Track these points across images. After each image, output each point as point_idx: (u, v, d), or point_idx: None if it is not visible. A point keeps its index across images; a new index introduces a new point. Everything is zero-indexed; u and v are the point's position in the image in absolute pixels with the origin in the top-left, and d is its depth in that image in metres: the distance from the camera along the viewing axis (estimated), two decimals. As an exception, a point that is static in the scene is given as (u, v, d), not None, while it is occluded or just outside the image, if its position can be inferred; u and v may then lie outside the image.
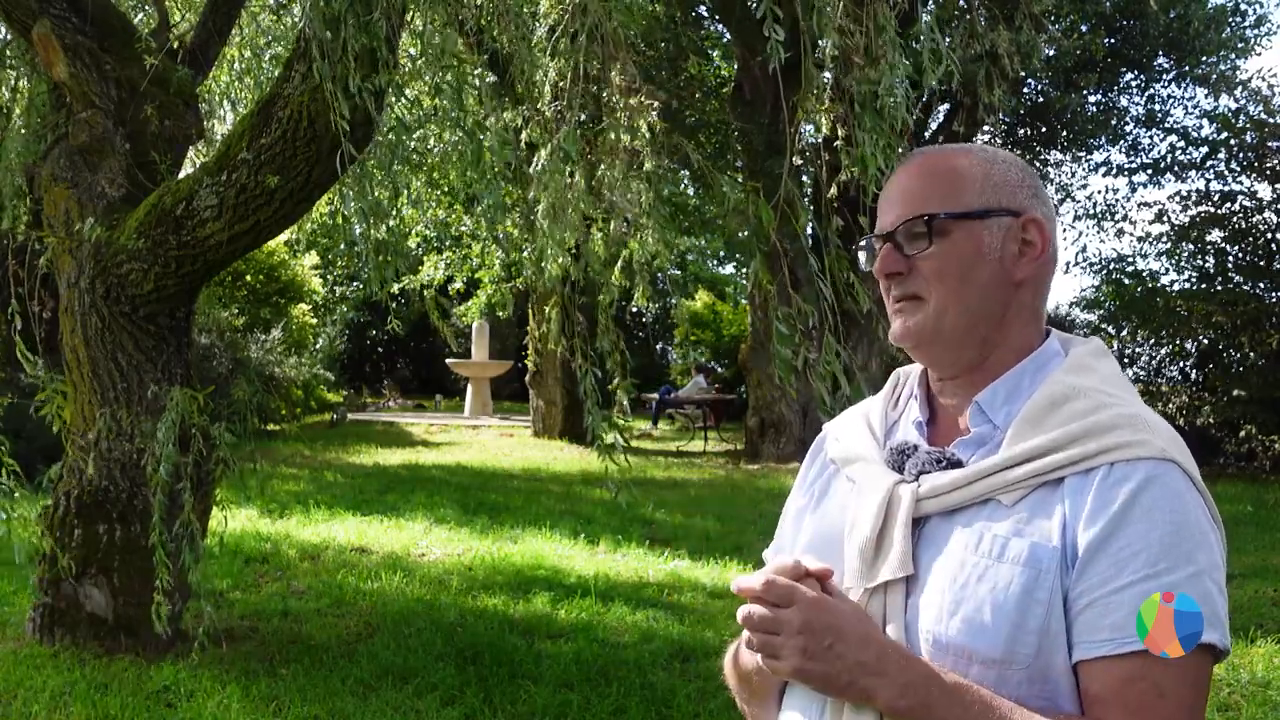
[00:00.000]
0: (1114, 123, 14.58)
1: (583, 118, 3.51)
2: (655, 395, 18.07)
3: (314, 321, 16.06)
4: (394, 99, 4.09)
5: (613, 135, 3.49)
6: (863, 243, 1.22)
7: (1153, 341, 14.17)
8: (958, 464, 1.06)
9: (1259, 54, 33.64)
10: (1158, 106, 14.82)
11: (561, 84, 3.51)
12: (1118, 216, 15.89)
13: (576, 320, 3.67)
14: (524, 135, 3.93)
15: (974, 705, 0.94)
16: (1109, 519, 0.95)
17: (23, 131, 4.69)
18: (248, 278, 15.09)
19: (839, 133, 3.11)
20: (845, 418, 1.27)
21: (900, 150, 3.00)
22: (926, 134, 14.17)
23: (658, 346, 24.74)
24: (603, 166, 3.58)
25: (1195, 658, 0.94)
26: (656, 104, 3.45)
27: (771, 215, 2.97)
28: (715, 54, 14.89)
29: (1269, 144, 12.60)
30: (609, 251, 3.95)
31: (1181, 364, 14.09)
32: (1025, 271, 1.11)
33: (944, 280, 1.09)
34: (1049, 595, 0.96)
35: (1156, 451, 0.98)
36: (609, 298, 3.66)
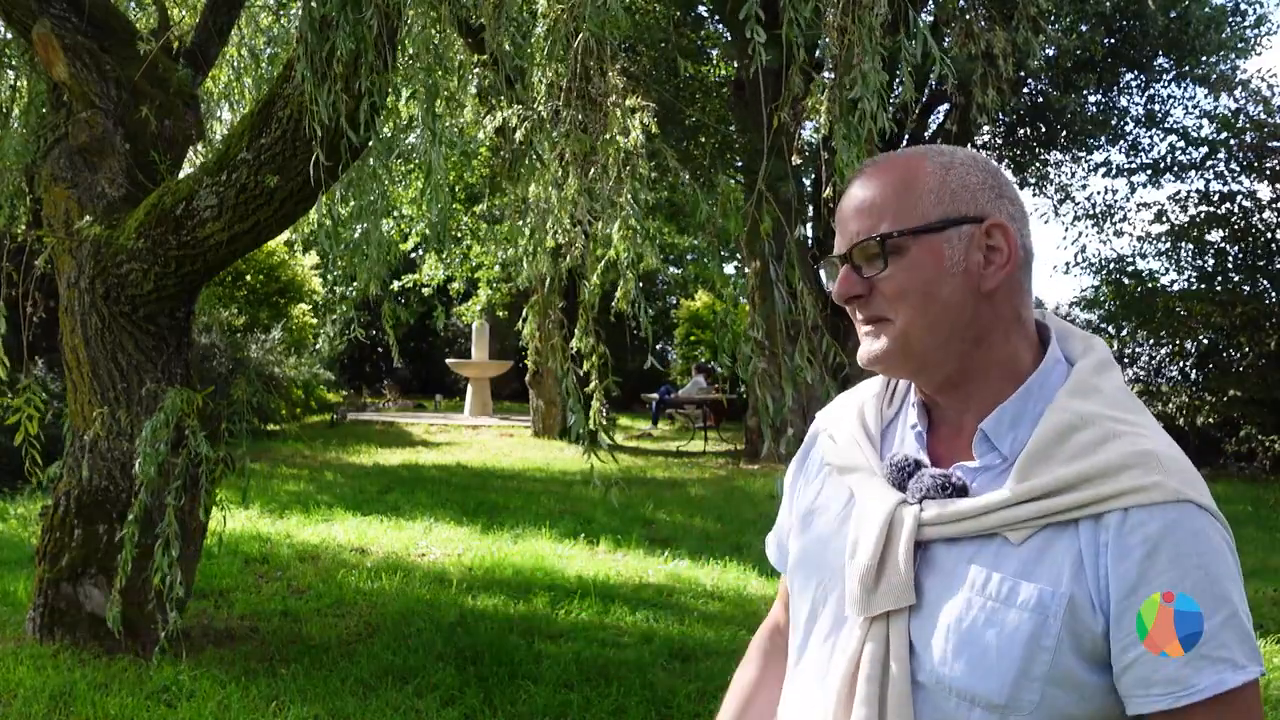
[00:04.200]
0: (1114, 123, 14.56)
1: (580, 118, 3.51)
2: (655, 395, 18.07)
3: (314, 321, 16.05)
4: (393, 99, 4.09)
5: (605, 137, 3.49)
6: (821, 263, 1.16)
7: (1153, 341, 14.18)
8: (963, 489, 1.03)
9: (1259, 54, 33.64)
10: (1158, 106, 14.80)
11: (559, 84, 3.51)
12: (1117, 217, 15.89)
13: (557, 320, 3.66)
14: (518, 134, 3.93)
15: None
16: (1135, 569, 0.93)
17: (22, 131, 4.69)
18: (248, 278, 15.09)
19: (837, 132, 3.12)
20: (838, 412, 1.22)
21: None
22: (926, 134, 14.17)
23: (658, 346, 24.74)
24: (593, 170, 3.58)
25: (1250, 693, 0.94)
26: (651, 106, 3.45)
27: (741, 224, 2.97)
28: (715, 53, 14.88)
29: (1269, 144, 12.61)
30: (595, 253, 3.96)
31: (1181, 364, 14.09)
32: (994, 280, 1.05)
33: (906, 301, 1.04)
34: (1055, 642, 0.95)
35: (1171, 494, 0.95)
36: (592, 298, 3.65)
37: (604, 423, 3.65)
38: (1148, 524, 0.94)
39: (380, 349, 25.54)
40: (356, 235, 4.76)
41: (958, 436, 1.09)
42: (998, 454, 1.04)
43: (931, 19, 9.96)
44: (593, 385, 3.60)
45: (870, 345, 1.08)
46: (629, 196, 3.31)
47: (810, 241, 13.31)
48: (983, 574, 0.99)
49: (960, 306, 1.04)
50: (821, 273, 1.17)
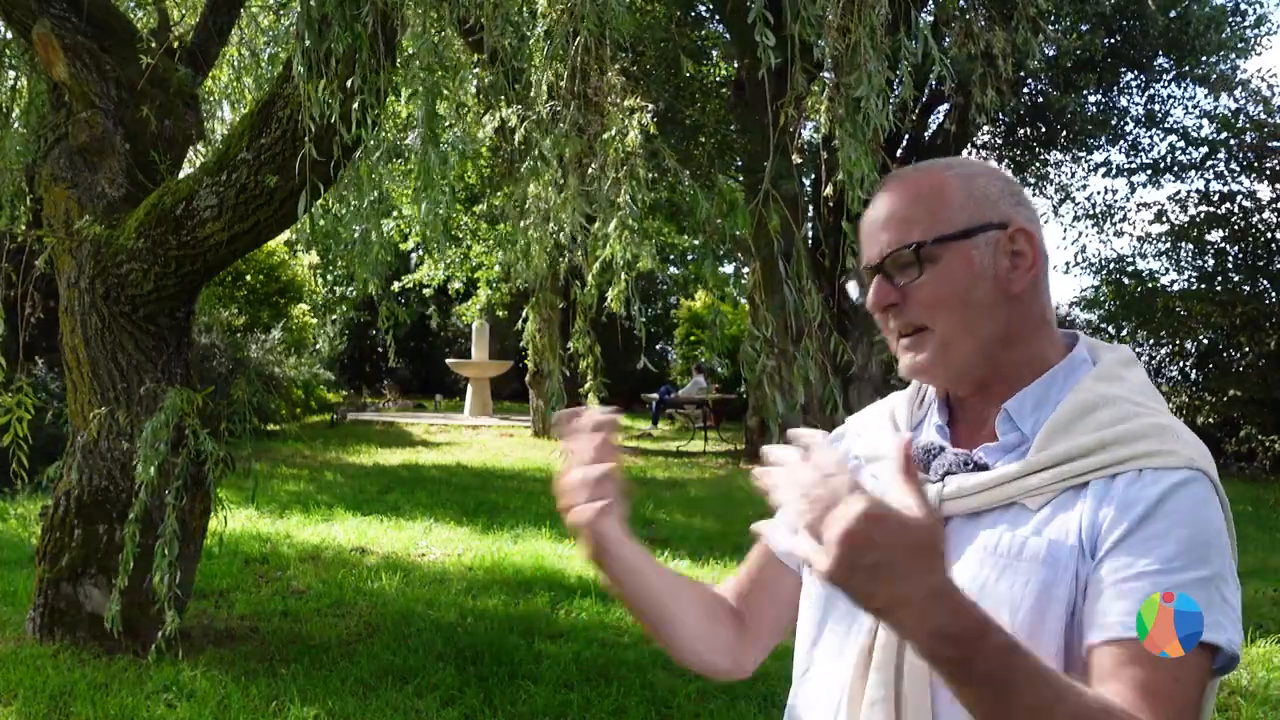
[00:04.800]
0: (1114, 123, 14.56)
1: (578, 118, 3.51)
2: (655, 395, 18.07)
3: (314, 321, 16.06)
4: (393, 99, 4.08)
5: (605, 138, 3.49)
6: (851, 276, 1.20)
7: (1153, 341, 14.17)
8: (984, 468, 1.06)
9: (1259, 54, 33.64)
10: (1158, 106, 14.79)
11: (559, 84, 3.50)
12: (1117, 217, 15.89)
13: (549, 319, 3.66)
14: (518, 134, 3.93)
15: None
16: (1132, 518, 0.96)
17: (22, 131, 4.69)
18: (248, 278, 15.09)
19: (836, 134, 3.12)
20: (868, 414, 1.26)
21: (882, 158, 3.00)
22: (926, 135, 14.17)
23: (658, 346, 24.74)
24: (592, 170, 3.58)
25: (1200, 656, 0.94)
26: (650, 106, 3.45)
27: (749, 221, 2.97)
28: (715, 54, 14.87)
29: (1269, 144, 12.62)
30: (594, 254, 3.95)
31: (1181, 364, 14.10)
32: (1021, 283, 1.08)
33: (943, 307, 1.08)
34: (1067, 593, 0.96)
35: (1185, 461, 0.97)
36: (588, 299, 3.65)
37: None
38: (1158, 483, 0.96)
39: (380, 349, 25.57)
40: (356, 235, 4.76)
41: (980, 428, 1.12)
42: (1019, 434, 1.07)
43: (931, 19, 9.96)
44: (588, 385, 3.60)
45: (912, 358, 1.11)
46: (626, 197, 3.31)
47: (811, 241, 13.30)
48: (994, 535, 1.01)
49: (992, 309, 1.08)
50: (850, 288, 1.19)
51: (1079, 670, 0.97)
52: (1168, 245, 14.09)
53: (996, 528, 1.02)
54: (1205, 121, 14.55)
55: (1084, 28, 12.66)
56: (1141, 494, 0.96)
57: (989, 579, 0.99)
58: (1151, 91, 14.55)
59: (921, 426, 1.19)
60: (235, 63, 6.19)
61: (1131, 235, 19.03)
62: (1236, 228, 13.21)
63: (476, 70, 4.54)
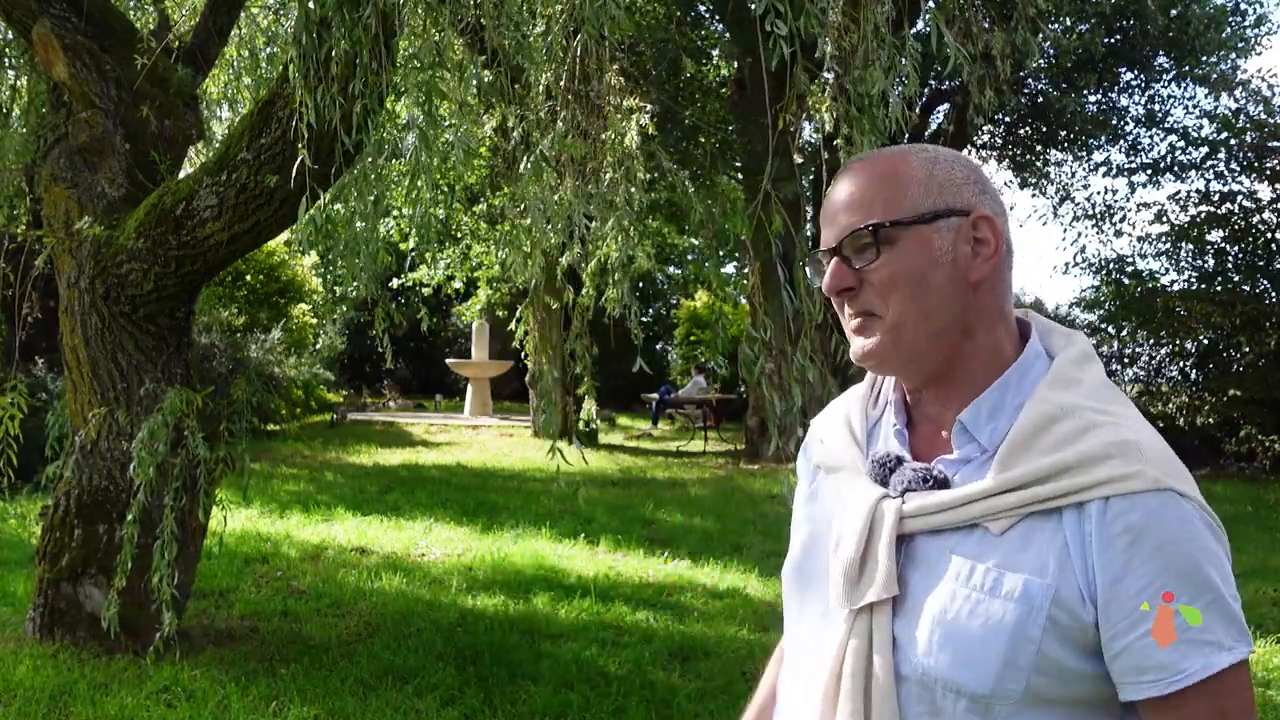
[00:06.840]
0: (1114, 123, 14.56)
1: (578, 119, 3.51)
2: (655, 395, 18.07)
3: (314, 321, 16.04)
4: (392, 100, 4.08)
5: (603, 138, 3.49)
6: (808, 259, 1.16)
7: (1153, 341, 14.17)
8: (944, 482, 1.04)
9: (1259, 54, 33.64)
10: (1158, 106, 14.80)
11: (559, 84, 3.50)
12: (1117, 217, 15.89)
13: (543, 320, 3.67)
14: (515, 134, 3.93)
15: None
16: (1120, 559, 0.94)
17: (22, 131, 4.69)
18: (248, 278, 15.08)
19: (841, 131, 3.12)
20: (829, 416, 1.23)
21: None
22: (926, 134, 14.17)
23: (658, 346, 24.74)
24: (589, 171, 3.58)
25: (1240, 673, 0.96)
26: (650, 106, 3.46)
27: (747, 224, 2.97)
28: (715, 54, 14.87)
29: (1269, 144, 12.61)
30: (592, 254, 3.95)
31: (1181, 364, 14.09)
32: (981, 271, 1.06)
33: (898, 291, 1.05)
34: (1040, 633, 0.95)
35: (1151, 483, 0.95)
36: (586, 300, 3.65)
37: (593, 424, 3.64)
38: (1129, 513, 0.95)
39: (380, 348, 25.53)
40: (355, 231, 4.75)
41: (938, 433, 1.10)
42: (977, 445, 1.05)
43: (935, 10, 9.95)
44: (584, 387, 3.60)
45: (862, 341, 1.08)
46: (622, 198, 3.32)
47: (811, 243, 13.29)
48: (966, 565, 0.99)
49: (949, 296, 1.05)
50: (808, 271, 1.16)
51: (1044, 702, 0.97)
52: (1168, 245, 14.08)
53: (964, 554, 1.00)
54: (1205, 121, 14.57)
55: (1084, 27, 12.66)
56: (1116, 528, 0.94)
57: (960, 613, 0.98)
58: (1151, 91, 14.56)
59: (878, 427, 1.17)
60: (235, 63, 6.19)
61: (1131, 235, 18.96)
62: (1236, 228, 13.20)
63: (476, 70, 4.53)
